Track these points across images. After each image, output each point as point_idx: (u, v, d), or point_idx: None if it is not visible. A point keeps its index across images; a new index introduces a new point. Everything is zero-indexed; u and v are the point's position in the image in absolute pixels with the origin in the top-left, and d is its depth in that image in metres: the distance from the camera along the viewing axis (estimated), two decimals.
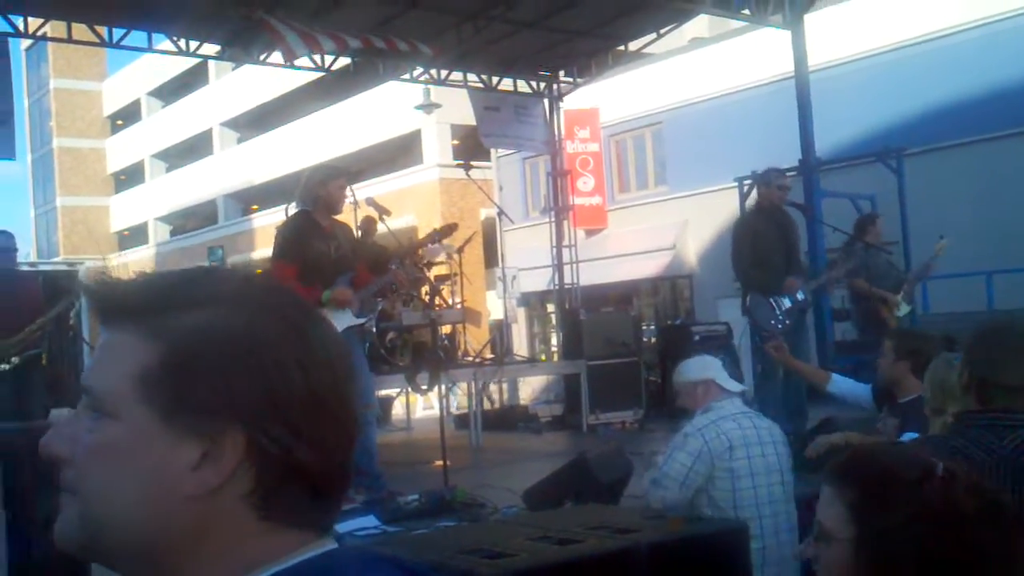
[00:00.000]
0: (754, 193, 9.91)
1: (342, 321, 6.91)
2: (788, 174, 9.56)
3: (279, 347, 0.95)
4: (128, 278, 1.00)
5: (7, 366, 7.82)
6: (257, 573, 0.94)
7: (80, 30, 12.06)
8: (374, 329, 10.59)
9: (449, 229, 7.74)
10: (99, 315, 0.99)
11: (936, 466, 1.77)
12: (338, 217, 7.24)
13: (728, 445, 4.47)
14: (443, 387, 8.55)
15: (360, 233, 10.54)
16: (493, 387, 16.24)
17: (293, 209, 7.41)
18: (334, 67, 13.87)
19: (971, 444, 2.81)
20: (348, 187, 7.30)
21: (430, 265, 12.08)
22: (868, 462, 1.91)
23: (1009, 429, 2.80)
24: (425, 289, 11.10)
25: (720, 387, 4.75)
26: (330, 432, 0.98)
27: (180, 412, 0.93)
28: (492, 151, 24.93)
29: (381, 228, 10.19)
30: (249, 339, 0.95)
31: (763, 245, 8.36)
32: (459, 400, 15.44)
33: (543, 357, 21.71)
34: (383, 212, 8.31)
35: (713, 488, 4.46)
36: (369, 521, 6.07)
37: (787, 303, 8.28)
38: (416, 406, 15.52)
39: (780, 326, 8.22)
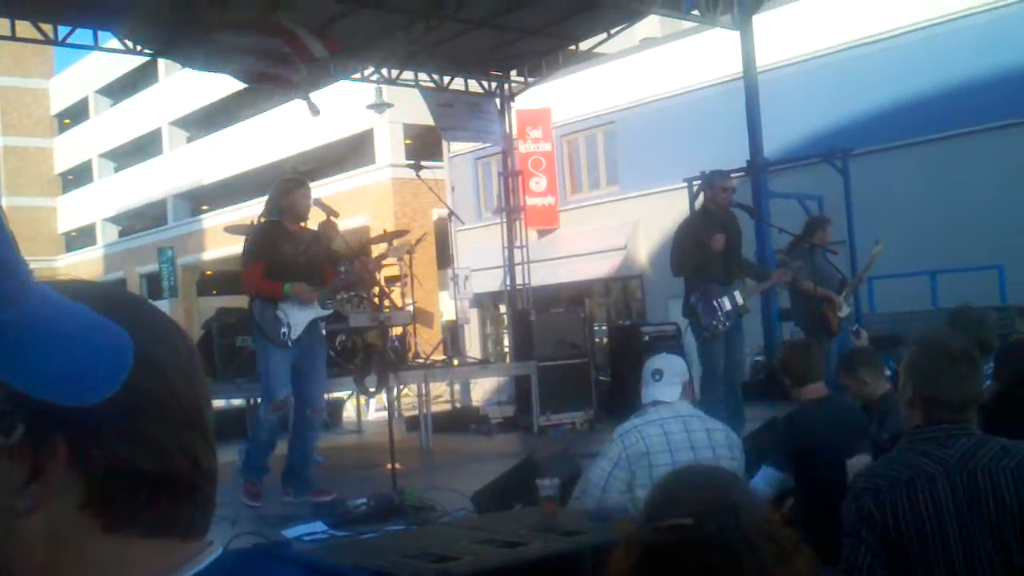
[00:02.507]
0: (701, 195, 9.98)
1: (308, 313, 7.29)
2: (736, 175, 9.64)
3: None
4: None
5: None
6: None
7: (25, 27, 11.87)
8: (323, 331, 10.52)
9: (399, 234, 8.00)
10: None
11: None
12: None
13: (645, 451, 4.39)
14: (394, 389, 8.54)
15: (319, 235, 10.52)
16: (444, 388, 16.23)
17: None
18: None
19: (920, 457, 2.87)
20: (310, 194, 7.59)
21: (379, 267, 12.04)
22: None
23: (953, 438, 2.87)
24: (376, 290, 11.05)
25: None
26: (161, 431, 0.95)
27: (2, 432, 0.91)
28: (445, 151, 24.91)
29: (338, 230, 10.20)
30: None
31: (703, 248, 8.40)
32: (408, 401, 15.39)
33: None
34: (331, 213, 8.29)
35: (636, 493, 4.42)
36: (317, 526, 6.04)
37: (728, 305, 8.33)
38: (368, 408, 15.45)
39: (721, 327, 8.28)
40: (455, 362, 13.50)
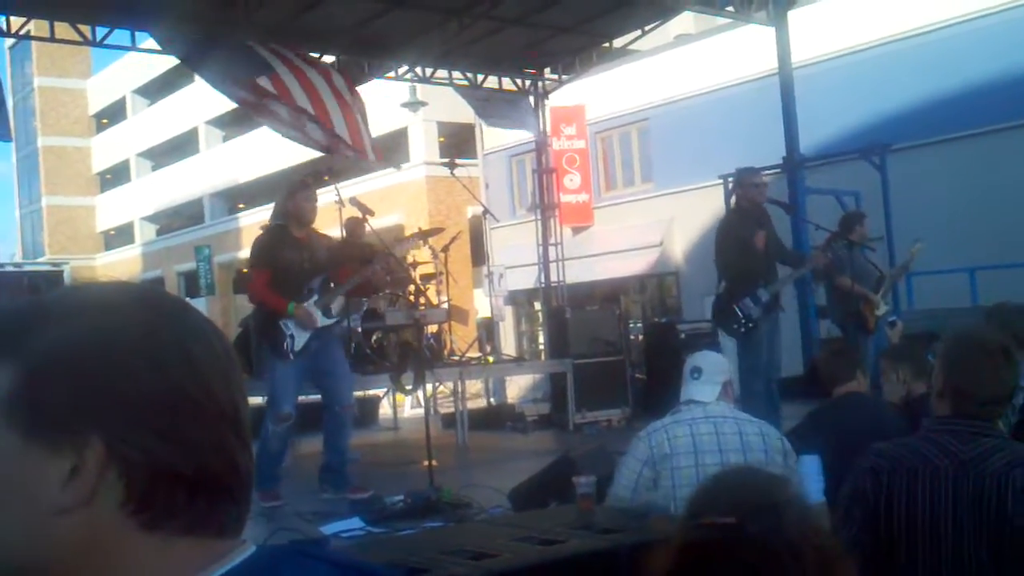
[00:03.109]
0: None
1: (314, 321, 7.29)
2: (772, 172, 9.57)
3: (127, 352, 0.95)
4: None
5: None
6: None
7: (63, 28, 12.01)
8: (359, 329, 10.57)
9: (433, 232, 7.95)
10: None
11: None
12: (329, 225, 7.66)
13: (668, 452, 4.30)
14: (429, 387, 8.57)
15: (345, 233, 10.55)
16: (479, 386, 16.25)
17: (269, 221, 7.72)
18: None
19: (936, 449, 2.85)
20: (316, 198, 7.55)
21: (415, 264, 12.08)
22: None
23: (975, 436, 2.83)
24: (411, 288, 11.09)
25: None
26: (198, 431, 0.96)
27: (39, 429, 0.93)
28: (479, 149, 24.95)
29: (366, 228, 10.23)
30: (95, 348, 0.95)
31: (747, 247, 8.35)
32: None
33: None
34: (367, 212, 8.31)
35: (658, 494, 4.33)
36: (354, 523, 6.08)
37: (752, 306, 8.26)
38: (404, 406, 15.51)
39: (743, 329, 8.25)
40: (490, 359, 13.52)
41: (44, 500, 0.93)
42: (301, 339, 7.21)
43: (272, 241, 7.34)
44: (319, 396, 7.99)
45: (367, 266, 7.79)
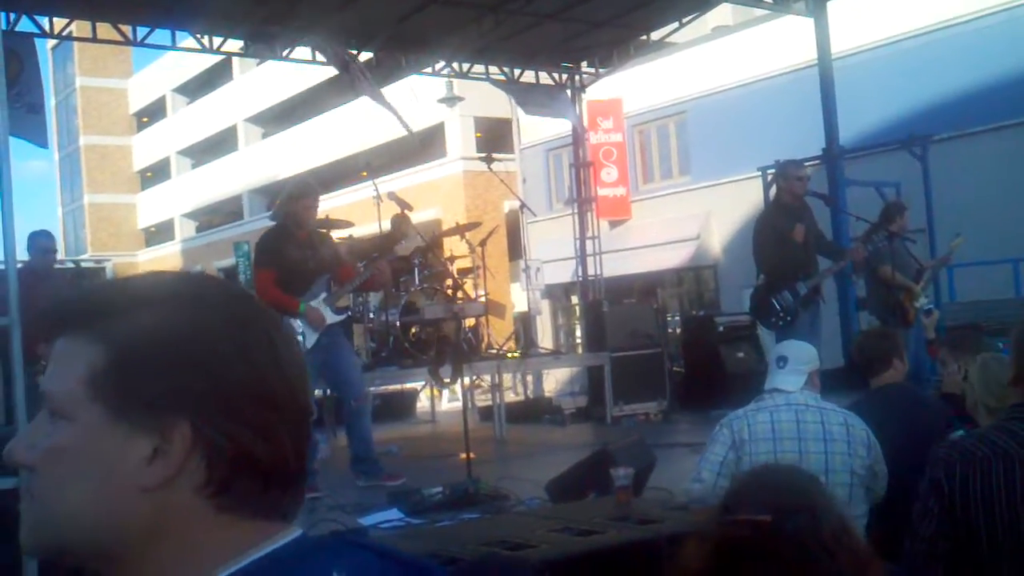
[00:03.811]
0: (774, 187, 9.85)
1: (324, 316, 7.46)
2: (811, 163, 9.50)
3: (220, 340, 0.99)
4: (75, 290, 1.05)
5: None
6: (224, 565, 0.97)
7: (105, 29, 12.16)
8: (398, 323, 10.63)
9: (471, 227, 8.05)
10: (52, 326, 1.03)
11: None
12: (352, 217, 7.79)
13: (747, 438, 4.28)
14: (467, 380, 8.60)
15: (391, 229, 10.64)
16: (517, 380, 16.27)
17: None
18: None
19: (1007, 436, 2.81)
20: (317, 205, 7.65)
21: (452, 259, 12.12)
22: None
23: None
24: (448, 282, 11.13)
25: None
26: (277, 421, 1.00)
27: (128, 409, 0.96)
28: (515, 143, 24.94)
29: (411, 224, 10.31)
30: (190, 334, 0.98)
31: (786, 241, 8.30)
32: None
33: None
34: (405, 207, 8.38)
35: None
36: (393, 514, 6.12)
37: (790, 299, 8.22)
38: (442, 399, 15.56)
39: (782, 323, 8.20)
40: (514, 354, 13.52)
41: (123, 478, 0.96)
42: (311, 337, 7.33)
43: (276, 241, 7.45)
44: (318, 392, 8.14)
45: (375, 264, 7.95)
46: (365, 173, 11.86)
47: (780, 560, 1.62)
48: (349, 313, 7.96)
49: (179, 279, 1.05)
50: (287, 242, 7.38)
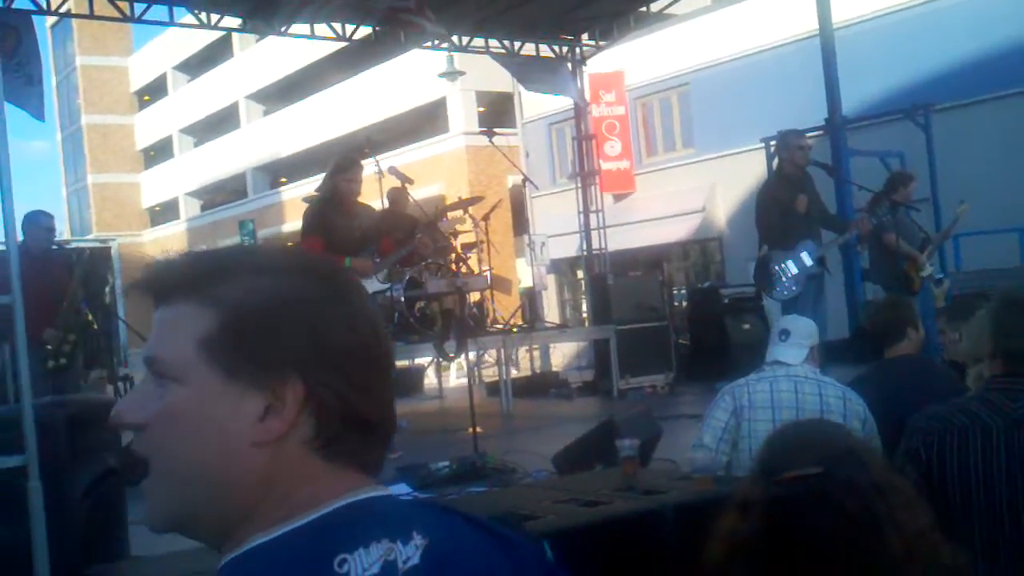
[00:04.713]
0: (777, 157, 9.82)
1: (367, 287, 7.41)
2: (814, 133, 9.46)
3: (326, 306, 1.06)
4: (173, 258, 1.11)
5: (64, 360, 8.11)
6: (324, 504, 1.03)
7: (102, 5, 12.10)
8: (402, 298, 10.64)
9: (474, 201, 8.17)
10: (153, 295, 1.09)
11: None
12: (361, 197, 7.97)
13: (747, 405, 4.40)
14: (472, 354, 8.64)
15: (389, 203, 10.63)
16: (524, 355, 16.28)
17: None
18: (356, 36, 13.84)
19: (985, 407, 2.84)
20: (360, 178, 7.89)
21: (456, 233, 12.10)
22: None
23: None
24: (452, 257, 11.13)
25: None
26: (376, 380, 1.08)
27: (242, 369, 1.03)
28: (518, 117, 24.87)
29: (409, 198, 10.31)
30: (298, 300, 1.05)
31: (788, 211, 8.29)
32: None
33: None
34: (406, 180, 8.42)
35: (739, 446, 4.45)
36: (401, 488, 6.14)
37: (794, 269, 8.22)
38: (449, 375, 15.60)
39: (786, 292, 8.20)
40: (513, 329, 13.55)
41: (238, 435, 1.02)
42: None
43: (322, 211, 7.69)
44: None
45: (417, 239, 8.10)
46: (367, 150, 11.85)
47: (840, 509, 1.63)
48: (385, 288, 8.12)
49: (283, 251, 1.14)
50: (333, 212, 7.64)
